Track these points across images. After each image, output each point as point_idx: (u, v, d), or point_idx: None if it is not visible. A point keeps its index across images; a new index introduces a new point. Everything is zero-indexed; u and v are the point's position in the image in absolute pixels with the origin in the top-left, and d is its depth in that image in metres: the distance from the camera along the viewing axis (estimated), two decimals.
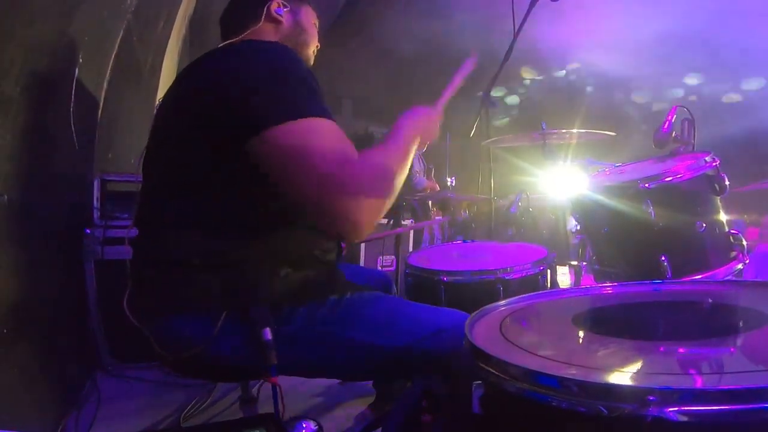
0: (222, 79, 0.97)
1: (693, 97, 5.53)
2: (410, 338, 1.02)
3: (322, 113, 0.92)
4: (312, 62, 1.32)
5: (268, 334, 0.95)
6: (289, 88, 0.94)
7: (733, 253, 1.58)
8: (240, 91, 0.93)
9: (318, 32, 1.33)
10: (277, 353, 0.95)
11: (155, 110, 1.12)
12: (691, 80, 5.61)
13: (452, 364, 0.98)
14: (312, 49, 1.31)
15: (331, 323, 1.02)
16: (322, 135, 0.90)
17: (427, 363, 1.02)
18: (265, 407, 1.02)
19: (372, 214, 0.92)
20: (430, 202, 3.93)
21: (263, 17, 1.19)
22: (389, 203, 0.96)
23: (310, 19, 1.29)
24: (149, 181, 1.09)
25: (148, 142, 1.10)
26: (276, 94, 0.92)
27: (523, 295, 1.01)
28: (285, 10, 1.22)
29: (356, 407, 1.88)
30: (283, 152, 0.89)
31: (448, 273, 1.57)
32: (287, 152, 0.89)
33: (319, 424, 1.11)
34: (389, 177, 0.95)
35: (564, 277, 2.39)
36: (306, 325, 1.01)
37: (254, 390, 1.45)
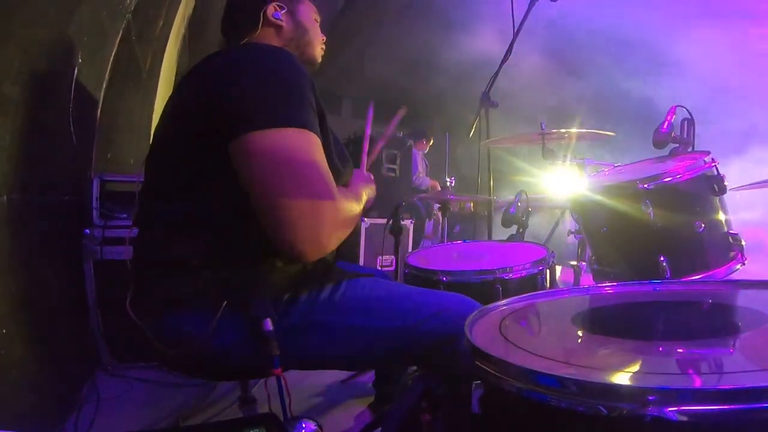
0: (217, 82, 0.98)
1: None
2: (411, 320, 1.02)
3: (305, 125, 0.92)
4: (320, 59, 1.29)
5: (269, 324, 0.95)
6: (279, 94, 0.93)
7: (732, 253, 1.58)
8: (231, 93, 0.94)
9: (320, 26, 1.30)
10: (279, 345, 0.95)
11: (162, 112, 1.12)
12: None
13: (454, 346, 0.98)
14: (318, 47, 1.28)
15: (330, 311, 1.02)
16: (297, 149, 0.91)
17: (429, 345, 1.02)
18: (265, 407, 1.02)
19: (318, 245, 0.93)
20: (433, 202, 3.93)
21: (261, 23, 1.17)
22: (336, 240, 0.98)
23: (310, 15, 1.25)
24: (149, 181, 1.09)
25: (152, 142, 1.11)
26: (264, 99, 0.92)
27: (523, 295, 1.01)
28: (283, 12, 1.19)
29: (356, 407, 1.89)
30: (255, 159, 0.90)
31: (448, 273, 1.57)
32: (259, 159, 0.90)
33: (318, 424, 1.10)
34: (344, 215, 0.98)
35: (562, 278, 2.39)
36: (306, 315, 1.01)
37: (254, 390, 1.45)
